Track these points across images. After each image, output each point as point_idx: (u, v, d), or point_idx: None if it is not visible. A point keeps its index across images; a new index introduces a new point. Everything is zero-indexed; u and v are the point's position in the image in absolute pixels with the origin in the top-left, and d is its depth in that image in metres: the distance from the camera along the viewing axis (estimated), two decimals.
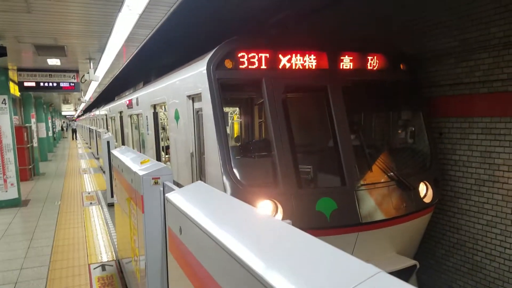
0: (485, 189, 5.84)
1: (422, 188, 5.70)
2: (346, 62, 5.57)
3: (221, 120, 4.92)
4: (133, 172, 3.61)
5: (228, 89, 5.50)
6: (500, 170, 5.60)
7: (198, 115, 5.85)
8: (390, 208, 5.22)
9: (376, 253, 5.26)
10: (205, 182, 5.54)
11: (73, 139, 42.72)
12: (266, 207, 4.71)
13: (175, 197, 2.28)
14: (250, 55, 5.08)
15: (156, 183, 3.30)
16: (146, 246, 3.14)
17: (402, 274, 5.17)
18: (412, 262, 5.16)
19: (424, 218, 5.72)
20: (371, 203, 5.12)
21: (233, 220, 1.75)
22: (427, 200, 5.67)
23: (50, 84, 10.53)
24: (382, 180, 5.44)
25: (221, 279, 1.53)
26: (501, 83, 5.48)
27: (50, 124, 27.68)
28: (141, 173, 3.33)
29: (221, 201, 2.05)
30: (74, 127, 45.94)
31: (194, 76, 5.59)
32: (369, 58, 5.74)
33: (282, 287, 1.08)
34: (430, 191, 5.73)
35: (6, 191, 9.72)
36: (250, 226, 1.66)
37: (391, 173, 5.51)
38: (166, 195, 2.38)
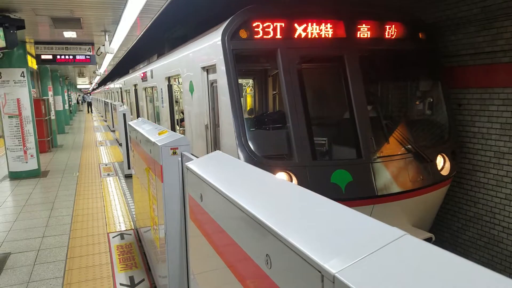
0: (504, 162, 5.74)
1: (440, 160, 5.63)
2: (364, 31, 5.43)
3: (236, 92, 4.88)
4: (151, 143, 3.64)
5: (243, 60, 5.44)
6: None
7: (212, 87, 5.81)
8: (407, 181, 5.18)
9: (391, 225, 5.26)
10: None
11: (88, 112, 43.18)
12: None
13: (196, 165, 2.29)
14: (265, 25, 4.98)
15: (174, 153, 3.32)
16: (166, 214, 3.20)
17: None
18: (427, 234, 5.16)
19: (441, 191, 5.67)
20: (387, 176, 5.09)
21: (254, 186, 1.75)
22: (445, 172, 5.61)
23: (67, 57, 10.56)
24: (399, 153, 5.38)
25: (244, 243, 1.54)
26: None
27: (66, 97, 27.96)
28: (160, 143, 3.35)
29: (241, 169, 2.05)
30: (89, 100, 46.34)
31: (209, 47, 5.52)
32: (387, 26, 5.58)
33: (307, 249, 1.08)
34: (448, 164, 5.66)
35: (27, 162, 9.94)
36: (271, 192, 1.66)
37: (408, 145, 5.45)
38: (187, 164, 2.39)
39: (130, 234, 5.83)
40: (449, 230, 6.76)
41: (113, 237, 5.72)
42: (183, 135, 3.48)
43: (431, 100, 6.16)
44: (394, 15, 5.71)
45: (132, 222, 6.35)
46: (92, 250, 5.29)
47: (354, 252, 1.01)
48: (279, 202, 1.52)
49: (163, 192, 3.23)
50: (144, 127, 4.79)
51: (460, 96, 6.24)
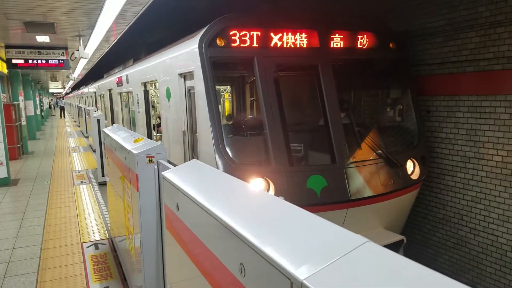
0: (470, 166, 6.00)
1: (410, 165, 5.84)
2: (337, 41, 5.59)
3: (213, 99, 4.94)
4: (127, 151, 3.64)
5: (220, 67, 5.50)
6: (485, 147, 5.74)
7: (190, 94, 5.84)
8: (378, 185, 5.35)
9: (364, 228, 5.42)
10: (197, 159, 5.60)
11: (61, 117, 42.17)
12: (258, 185, 4.79)
13: (172, 175, 2.33)
14: (241, 33, 5.06)
15: (150, 161, 3.34)
16: (142, 224, 3.21)
17: (389, 248, 5.33)
18: (399, 237, 5.33)
19: (411, 195, 5.87)
20: (360, 180, 5.24)
21: (229, 195, 1.81)
22: (414, 177, 5.81)
23: (39, 61, 10.34)
24: (371, 158, 5.55)
25: (219, 252, 1.60)
26: (487, 62, 5.57)
27: (38, 102, 27.26)
28: (135, 151, 3.36)
29: (217, 178, 2.11)
30: (62, 105, 45.27)
31: (186, 54, 5.56)
32: (359, 36, 5.76)
33: (275, 257, 1.15)
34: (417, 168, 5.87)
35: None
36: (245, 201, 1.73)
37: (380, 151, 5.62)
38: (163, 173, 2.42)
39: (105, 244, 5.76)
40: (420, 231, 6.99)
41: (87, 247, 5.64)
42: (159, 143, 3.50)
43: (401, 107, 6.39)
44: (366, 26, 5.91)
45: (106, 232, 6.28)
46: (66, 261, 5.20)
47: (321, 259, 1.09)
48: (253, 212, 1.59)
49: (138, 201, 3.24)
50: (119, 134, 4.77)
51: (429, 103, 6.49)
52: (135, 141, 3.82)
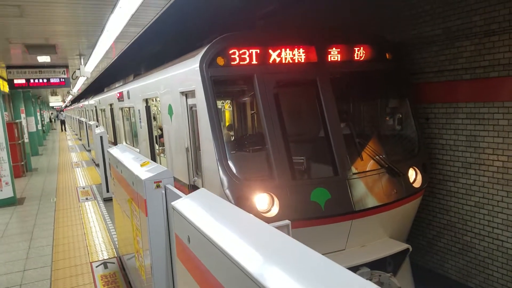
0: (471, 172, 6.04)
1: (411, 173, 5.89)
2: (334, 54, 5.67)
3: (215, 117, 5.01)
4: (134, 175, 3.70)
5: (221, 85, 5.57)
6: (485, 153, 5.79)
7: (192, 111, 5.92)
8: (382, 195, 5.40)
9: (370, 238, 5.46)
10: (201, 176, 5.66)
11: (62, 130, 42.30)
12: (262, 200, 4.84)
13: (182, 205, 2.39)
14: (241, 52, 5.14)
15: (158, 186, 3.41)
16: (151, 249, 3.26)
17: (395, 257, 5.40)
18: (405, 246, 5.37)
19: (414, 203, 5.92)
20: (363, 191, 5.29)
21: (241, 233, 1.87)
22: (417, 185, 5.86)
23: (40, 81, 10.44)
24: (373, 168, 5.60)
25: None
26: (483, 69, 5.63)
27: (39, 117, 27.37)
28: (143, 177, 3.42)
29: (227, 212, 2.17)
30: (63, 118, 45.43)
31: (187, 73, 5.64)
32: (356, 49, 5.84)
33: None
34: (419, 176, 5.92)
35: (1, 190, 9.72)
36: (257, 239, 1.78)
37: (381, 161, 5.68)
38: (173, 203, 2.48)
39: (114, 263, 5.81)
40: (424, 238, 7.02)
41: (96, 267, 5.70)
42: (166, 168, 3.56)
43: (400, 116, 6.45)
44: (362, 38, 5.98)
45: (114, 250, 6.33)
46: (76, 281, 5.25)
47: None
48: (265, 252, 1.64)
49: (148, 226, 3.30)
50: (125, 156, 4.83)
51: (427, 111, 6.55)
52: (141, 165, 3.89)
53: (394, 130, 6.62)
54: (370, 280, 4.97)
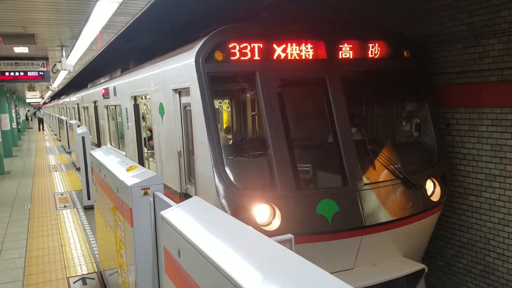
0: (496, 185, 6.02)
1: (429, 185, 5.87)
2: (346, 51, 5.66)
3: (212, 118, 4.98)
4: (119, 181, 3.69)
5: (218, 82, 5.57)
6: None
7: (185, 111, 5.91)
8: (396, 209, 5.38)
9: (381, 257, 5.43)
10: (194, 183, 5.64)
11: (39, 129, 42.29)
12: (262, 212, 4.82)
13: (172, 215, 2.37)
14: (242, 46, 5.13)
15: (146, 193, 3.39)
16: (136, 264, 3.24)
17: (409, 279, 5.37)
18: (420, 266, 5.35)
19: (432, 218, 5.90)
20: (375, 204, 5.27)
21: (237, 246, 1.85)
22: (435, 198, 5.84)
23: (17, 74, 10.43)
24: (386, 179, 5.59)
25: None
26: (511, 71, 5.63)
27: (14, 114, 27.39)
28: (129, 182, 3.41)
29: (223, 223, 2.15)
30: (41, 116, 45.43)
31: (181, 68, 5.63)
32: (370, 45, 5.83)
33: None
34: (438, 189, 5.90)
35: None
36: (257, 255, 1.76)
37: (396, 171, 5.66)
38: (162, 213, 2.47)
39: (94, 278, 5.78)
40: (442, 257, 6.99)
41: (73, 283, 5.66)
42: (154, 173, 3.54)
43: (418, 121, 6.44)
44: (377, 33, 5.98)
45: (95, 264, 6.30)
46: None
47: None
48: (263, 267, 1.63)
49: (133, 238, 3.28)
50: (109, 160, 4.82)
51: (448, 116, 6.55)
52: (128, 170, 3.87)
53: (411, 137, 6.60)
54: None
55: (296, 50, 5.36)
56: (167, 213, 2.45)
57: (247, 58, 5.16)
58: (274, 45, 5.26)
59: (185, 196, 6.05)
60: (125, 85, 9.25)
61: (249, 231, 1.97)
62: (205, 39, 5.14)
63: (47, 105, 57.28)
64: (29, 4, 5.35)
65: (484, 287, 6.34)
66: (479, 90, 6.06)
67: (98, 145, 13.99)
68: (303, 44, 5.38)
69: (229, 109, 8.25)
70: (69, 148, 19.49)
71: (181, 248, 2.13)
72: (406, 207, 5.46)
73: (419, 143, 6.48)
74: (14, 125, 26.87)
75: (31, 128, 47.55)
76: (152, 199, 3.37)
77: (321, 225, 4.94)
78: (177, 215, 2.38)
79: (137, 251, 3.29)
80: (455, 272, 6.79)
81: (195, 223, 2.23)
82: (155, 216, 3.33)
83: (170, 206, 2.72)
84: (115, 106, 10.95)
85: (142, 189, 3.37)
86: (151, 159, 9.16)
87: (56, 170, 15.64)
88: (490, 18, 5.78)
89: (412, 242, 5.74)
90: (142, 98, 8.84)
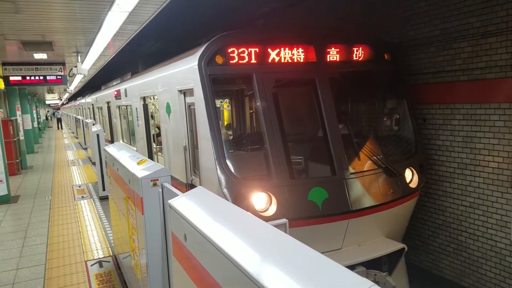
0: (467, 173, 6.04)
1: (408, 174, 5.87)
2: (333, 54, 5.64)
3: (214, 116, 4.96)
4: (131, 173, 3.66)
5: (219, 84, 5.53)
6: (481, 154, 5.79)
7: (190, 109, 5.87)
8: (378, 195, 5.38)
9: (366, 238, 5.44)
10: (199, 174, 5.61)
11: (58, 128, 42.06)
12: (260, 199, 4.81)
13: (179, 204, 2.35)
14: (240, 50, 5.10)
15: (155, 184, 3.36)
16: (148, 247, 3.22)
17: (391, 257, 5.38)
18: (400, 245, 5.35)
19: (411, 203, 5.90)
20: (360, 191, 5.27)
21: (237, 230, 1.83)
22: (413, 185, 5.85)
23: (37, 78, 10.34)
24: (370, 168, 5.58)
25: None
26: (480, 71, 5.63)
27: (35, 115, 27.19)
28: (139, 175, 3.38)
29: (224, 210, 2.13)
30: (59, 116, 45.17)
31: (185, 71, 5.59)
32: (355, 49, 5.81)
33: None
34: (416, 177, 5.90)
35: None
36: (255, 237, 1.74)
37: (378, 161, 5.65)
38: (169, 202, 2.44)
39: (109, 262, 5.75)
40: (420, 238, 7.02)
41: (91, 265, 5.63)
42: (163, 166, 3.51)
43: (398, 116, 6.43)
44: (361, 38, 5.96)
45: (110, 249, 6.26)
46: (70, 280, 5.19)
47: None
48: (262, 250, 1.61)
49: (144, 225, 3.25)
50: (121, 154, 4.78)
51: (425, 112, 6.55)
52: (138, 163, 3.84)
53: (392, 131, 6.60)
54: None
55: (288, 54, 5.33)
56: (174, 202, 2.42)
57: (244, 61, 5.13)
58: (269, 50, 5.23)
59: (190, 186, 6.03)
60: (135, 87, 9.18)
61: (248, 217, 1.95)
62: (206, 44, 5.11)
63: (65, 106, 56.90)
64: (47, 14, 5.28)
65: (457, 263, 6.37)
66: (452, 88, 6.06)
67: (111, 141, 13.92)
68: (295, 49, 5.36)
69: (229, 107, 8.19)
70: (85, 145, 19.37)
71: (187, 233, 2.11)
72: (387, 193, 5.46)
73: (398, 136, 6.48)
74: (35, 124, 26.69)
75: (51, 127, 47.26)
76: (160, 190, 3.34)
77: (312, 210, 4.93)
78: (183, 203, 2.36)
79: (147, 237, 3.26)
80: (431, 251, 6.82)
81: (199, 210, 2.20)
82: (163, 204, 3.30)
83: (177, 195, 2.69)
84: (126, 106, 10.87)
85: (151, 181, 3.35)
86: (159, 153, 9.11)
87: (74, 165, 15.56)
88: (460, 24, 5.78)
89: (393, 224, 5.75)
90: (150, 99, 8.77)
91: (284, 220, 2.62)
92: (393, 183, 5.57)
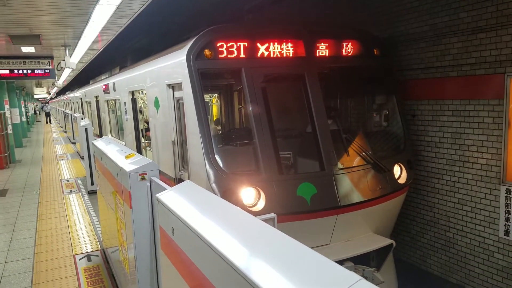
0: (456, 169, 6.11)
1: (397, 169, 5.92)
2: (322, 49, 5.65)
3: (202, 110, 4.96)
4: (119, 167, 3.64)
5: (208, 78, 5.51)
6: (470, 150, 5.85)
7: (178, 104, 5.85)
8: (367, 191, 5.42)
9: (354, 233, 5.48)
10: (187, 169, 5.61)
11: (47, 122, 41.58)
12: (248, 194, 4.82)
13: (167, 197, 2.35)
14: (228, 45, 5.09)
15: (143, 178, 3.36)
16: (135, 242, 3.22)
17: (379, 252, 5.44)
18: (388, 241, 5.40)
19: (399, 199, 5.96)
20: (348, 186, 5.31)
21: (225, 224, 1.84)
22: (402, 181, 5.90)
23: (25, 71, 10.21)
24: (359, 164, 5.62)
25: (216, 281, 1.63)
26: (469, 67, 5.68)
27: (23, 109, 26.85)
28: (127, 169, 3.37)
29: (213, 204, 2.13)
30: (48, 110, 44.65)
31: (174, 65, 5.56)
32: (344, 44, 5.83)
33: None
34: (404, 173, 5.95)
35: None
36: (243, 231, 1.76)
37: (367, 157, 5.70)
38: (157, 195, 2.44)
39: (97, 256, 5.74)
40: (408, 234, 7.09)
41: (79, 259, 5.61)
42: (151, 160, 3.51)
43: (387, 112, 6.47)
44: (350, 33, 5.98)
45: (98, 243, 6.25)
46: (59, 274, 5.17)
47: None
48: (250, 244, 1.62)
49: (132, 219, 3.25)
50: (109, 148, 4.76)
51: (414, 108, 6.60)
52: (126, 157, 3.83)
53: (381, 127, 6.64)
54: None
55: (277, 49, 5.33)
56: (162, 196, 2.43)
57: (233, 56, 5.12)
58: (258, 44, 5.22)
59: (179, 181, 6.02)
60: (124, 81, 9.11)
61: (236, 211, 1.97)
62: (195, 38, 5.08)
63: (53, 100, 56.23)
64: (35, 7, 5.22)
65: (445, 259, 6.45)
66: (441, 84, 6.11)
67: (100, 136, 13.81)
68: (284, 43, 5.36)
69: (218, 102, 8.19)
70: (73, 139, 19.20)
71: (175, 227, 2.12)
72: (376, 189, 5.51)
73: (387, 132, 6.53)
74: (24, 118, 26.35)
75: (39, 121, 46.70)
76: (148, 184, 3.34)
77: (301, 205, 4.96)
78: (171, 197, 2.36)
79: (135, 231, 3.26)
80: (419, 247, 6.90)
81: (187, 204, 2.21)
82: (151, 198, 3.30)
83: (165, 189, 2.69)
84: (115, 100, 10.79)
85: (139, 175, 3.34)
86: (148, 148, 9.07)
87: (62, 159, 15.42)
88: (450, 20, 5.82)
89: (381, 220, 5.80)
90: (139, 93, 8.72)
91: (272, 215, 2.64)
92: (382, 178, 5.62)
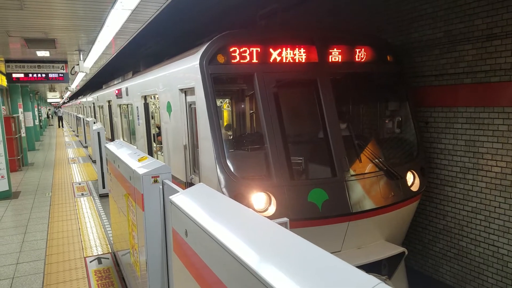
0: (469, 177, 6.03)
1: (409, 177, 5.86)
2: (335, 55, 5.64)
3: (214, 115, 4.98)
4: (131, 170, 3.67)
5: (220, 83, 5.54)
6: (484, 158, 5.78)
7: (191, 108, 5.88)
8: (379, 198, 5.37)
9: (366, 241, 5.43)
10: (199, 173, 5.63)
11: (59, 126, 42.13)
12: (259, 199, 4.81)
13: (180, 199, 2.36)
14: (241, 50, 5.11)
15: (155, 181, 3.37)
16: (147, 244, 3.23)
17: (391, 260, 5.37)
18: (400, 249, 5.34)
19: (411, 206, 5.89)
20: (360, 193, 5.27)
21: (240, 226, 1.84)
22: (414, 188, 5.84)
23: (39, 75, 10.38)
24: (371, 170, 5.58)
25: (230, 284, 1.62)
26: (484, 74, 5.62)
27: (36, 112, 27.26)
28: (140, 171, 3.39)
29: (225, 206, 2.14)
30: (61, 115, 45.26)
31: (187, 70, 5.61)
32: (357, 50, 5.82)
33: None
34: (417, 180, 5.89)
35: None
36: (256, 233, 1.75)
37: (380, 163, 5.65)
38: (171, 197, 2.45)
39: (108, 258, 5.76)
40: (420, 242, 7.00)
41: (90, 262, 5.64)
42: (163, 163, 3.53)
43: (400, 118, 6.43)
44: (364, 40, 5.97)
45: (109, 245, 6.28)
46: (69, 276, 5.20)
47: None
48: (265, 246, 1.61)
49: (144, 221, 3.26)
50: (122, 151, 4.80)
51: (427, 115, 6.54)
52: (139, 160, 3.85)
53: (393, 133, 6.59)
54: None
55: (290, 54, 5.34)
56: (175, 198, 2.44)
57: (246, 61, 5.14)
58: (271, 49, 5.24)
59: (190, 185, 6.04)
60: (136, 86, 9.20)
61: (249, 213, 1.96)
62: (208, 43, 5.12)
63: (66, 104, 56.99)
64: (50, 12, 5.32)
65: (458, 269, 6.35)
66: (455, 91, 6.05)
67: (112, 140, 13.94)
68: (297, 49, 5.37)
69: (230, 107, 8.22)
70: (85, 143, 19.39)
71: (188, 229, 2.12)
72: (388, 196, 5.46)
73: (400, 139, 6.48)
74: (37, 122, 26.75)
75: (52, 125, 47.33)
76: (161, 186, 3.35)
77: (312, 211, 4.93)
78: (184, 199, 2.37)
79: (147, 233, 3.27)
80: (431, 255, 6.80)
81: (200, 206, 2.21)
82: (163, 201, 3.31)
83: (178, 192, 2.70)
84: (127, 105, 10.90)
85: (152, 177, 3.36)
86: (159, 152, 9.13)
87: (74, 162, 15.58)
88: (465, 27, 5.78)
89: (393, 228, 5.74)
90: (151, 98, 8.81)
91: (285, 219, 2.63)
92: (394, 186, 5.57)
